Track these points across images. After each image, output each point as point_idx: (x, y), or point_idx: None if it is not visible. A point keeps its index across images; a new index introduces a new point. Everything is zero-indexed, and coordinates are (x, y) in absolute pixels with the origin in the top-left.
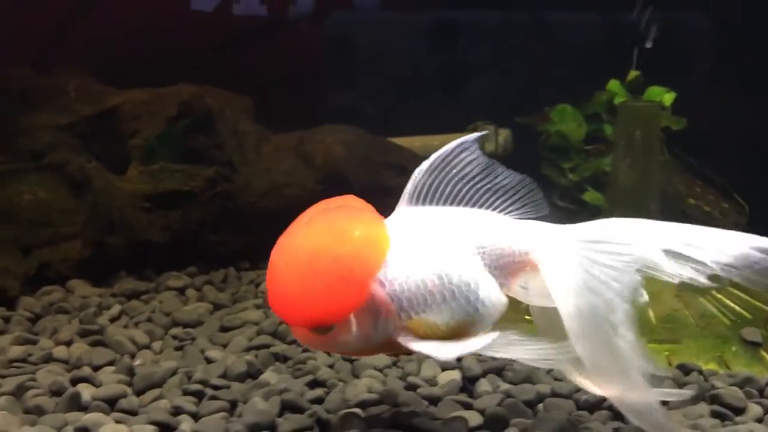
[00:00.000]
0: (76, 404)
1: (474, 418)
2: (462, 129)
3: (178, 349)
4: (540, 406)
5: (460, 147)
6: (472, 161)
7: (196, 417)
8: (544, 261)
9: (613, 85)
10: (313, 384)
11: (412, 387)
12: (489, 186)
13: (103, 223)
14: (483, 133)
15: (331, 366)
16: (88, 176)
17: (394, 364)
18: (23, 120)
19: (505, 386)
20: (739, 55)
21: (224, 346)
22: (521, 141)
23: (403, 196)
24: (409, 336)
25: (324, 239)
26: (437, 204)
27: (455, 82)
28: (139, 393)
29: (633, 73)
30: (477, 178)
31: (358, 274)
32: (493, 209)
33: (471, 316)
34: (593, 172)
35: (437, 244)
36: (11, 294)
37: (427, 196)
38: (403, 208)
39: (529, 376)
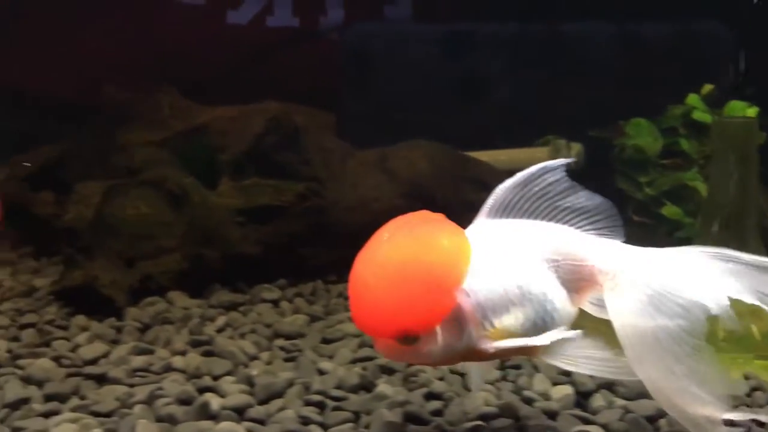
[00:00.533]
0: (206, 413)
1: None
2: (532, 143)
3: (287, 360)
4: (662, 421)
5: (544, 168)
6: (554, 181)
7: (324, 427)
8: (606, 279)
9: (692, 99)
10: (429, 396)
11: (527, 401)
12: (568, 205)
13: (200, 236)
14: (570, 160)
15: (441, 379)
16: (186, 191)
17: (504, 378)
18: (120, 137)
19: (619, 401)
20: None
21: (330, 357)
22: (591, 155)
23: (482, 209)
24: (491, 342)
25: (413, 249)
26: (514, 218)
27: (524, 96)
28: (261, 403)
29: (707, 87)
30: (557, 198)
31: (447, 283)
32: (571, 226)
33: (544, 325)
34: (671, 186)
35: (515, 254)
36: (119, 305)
37: (506, 210)
38: (482, 220)
39: (643, 391)
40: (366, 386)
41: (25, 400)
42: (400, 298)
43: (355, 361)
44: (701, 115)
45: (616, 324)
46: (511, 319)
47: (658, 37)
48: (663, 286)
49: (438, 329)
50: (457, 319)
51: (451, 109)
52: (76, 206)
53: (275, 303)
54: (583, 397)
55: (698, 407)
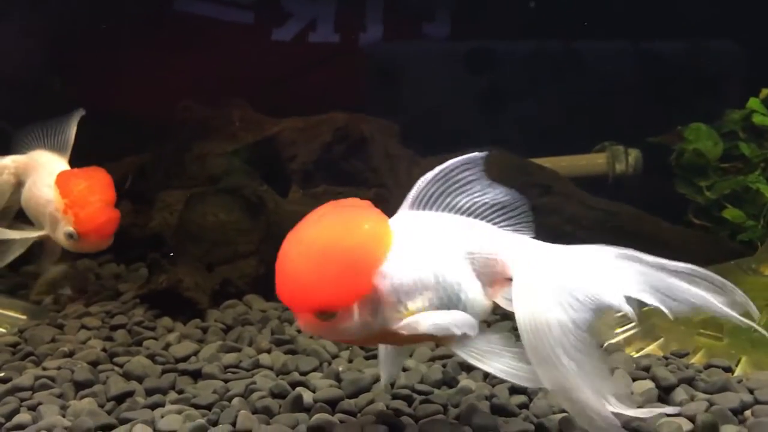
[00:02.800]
0: (300, 406)
1: (685, 425)
2: (589, 149)
3: (368, 358)
4: (747, 413)
5: (464, 162)
6: (473, 179)
7: (415, 418)
8: (515, 272)
9: (754, 102)
10: (513, 391)
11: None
12: (486, 201)
13: (276, 242)
14: (484, 154)
15: None
16: (262, 199)
17: None
18: (198, 147)
19: (701, 395)
20: None
21: (409, 355)
22: (648, 160)
23: (405, 201)
24: (404, 321)
25: (336, 231)
26: (435, 211)
27: (582, 103)
28: (350, 396)
29: (765, 91)
30: (476, 193)
31: (365, 264)
32: (487, 221)
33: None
34: (732, 190)
35: (433, 245)
36: (201, 307)
37: (427, 203)
38: (405, 212)
39: (724, 385)
40: (448, 382)
41: (129, 394)
42: (320, 275)
43: (433, 359)
44: (761, 119)
45: (518, 315)
46: (424, 305)
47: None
48: (567, 281)
49: (355, 307)
50: (373, 300)
51: (504, 118)
52: (161, 213)
53: None
54: (664, 392)
55: (592, 404)
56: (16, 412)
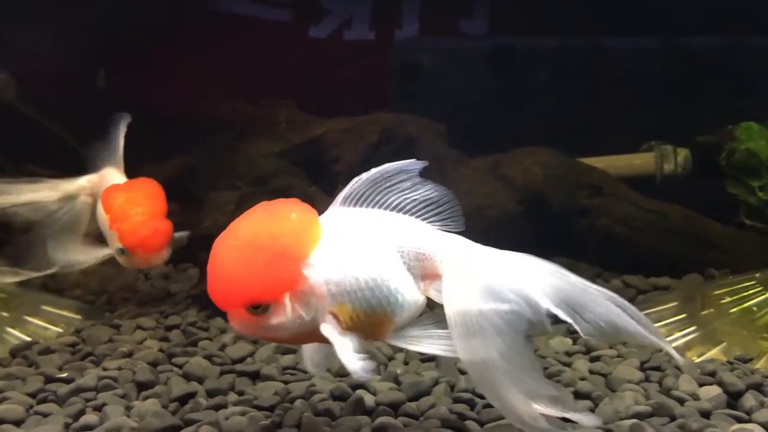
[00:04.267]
0: (361, 408)
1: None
2: (636, 149)
3: (424, 360)
4: None
5: (403, 167)
6: (405, 177)
7: (480, 423)
8: (445, 270)
9: None
10: (577, 396)
11: (679, 401)
12: (416, 197)
13: None
14: (424, 163)
15: (583, 379)
16: (312, 199)
17: (647, 379)
18: (244, 148)
19: None
20: None
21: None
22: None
23: (336, 199)
24: (331, 324)
25: (263, 222)
26: (366, 207)
27: (631, 102)
28: (411, 399)
29: None
30: (406, 190)
31: (293, 253)
32: (418, 218)
33: (390, 307)
34: None
35: (364, 239)
36: None
37: (359, 200)
38: (336, 208)
39: None
40: None
41: (192, 395)
42: (249, 266)
43: None
44: None
45: (447, 310)
46: (356, 299)
47: None
48: (493, 279)
49: (286, 300)
50: (304, 292)
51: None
52: (212, 214)
53: None
54: (732, 398)
55: (520, 404)
56: (82, 412)
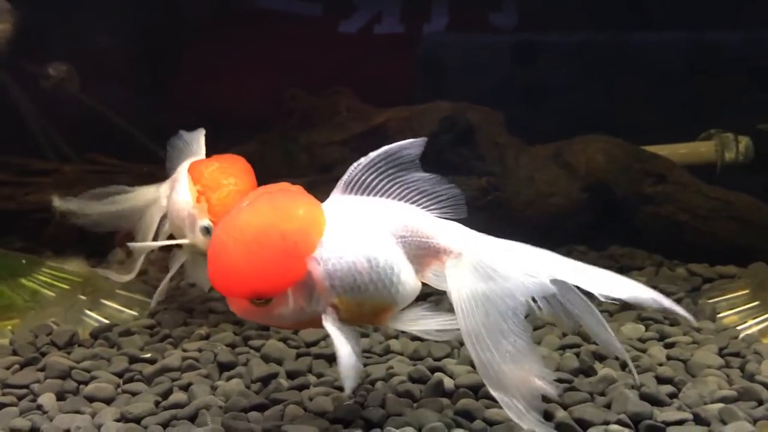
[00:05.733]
0: (441, 391)
1: None
2: (695, 137)
3: None
4: None
5: (400, 148)
6: (406, 166)
7: (564, 406)
8: (449, 256)
9: None
10: (658, 381)
11: (764, 385)
12: (416, 186)
13: None
14: (422, 140)
15: (661, 364)
16: None
17: (728, 365)
18: (305, 137)
19: None
20: None
21: (537, 343)
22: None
23: (338, 185)
24: (332, 315)
25: (269, 216)
26: (368, 195)
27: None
28: None
29: None
30: (408, 179)
31: (300, 250)
32: (418, 206)
33: (391, 297)
34: None
35: (366, 230)
36: None
37: (360, 188)
38: (337, 196)
39: None
40: (585, 371)
41: (273, 375)
42: (254, 261)
43: (563, 348)
44: None
45: (455, 297)
46: (359, 290)
47: None
48: (497, 266)
49: (289, 293)
50: (307, 285)
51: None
52: None
53: None
54: None
55: (517, 388)
56: (170, 391)
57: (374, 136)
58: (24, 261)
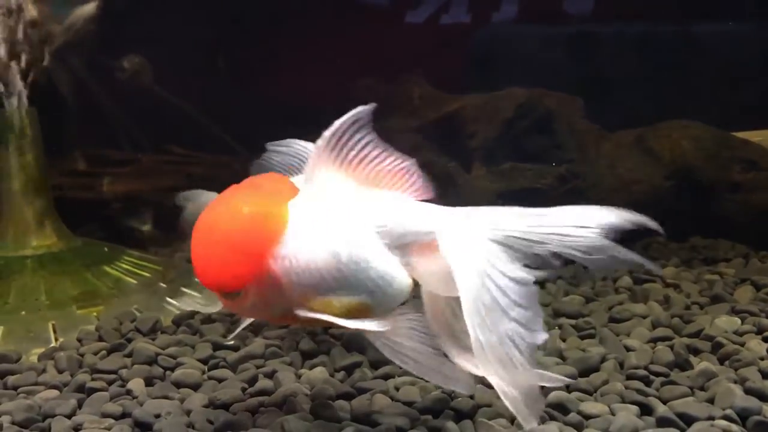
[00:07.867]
0: None
1: None
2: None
3: (583, 337)
4: None
5: (352, 122)
6: (368, 144)
7: (662, 400)
8: (448, 242)
9: None
10: (764, 376)
11: None
12: (385, 166)
13: None
14: (370, 107)
15: (762, 359)
16: (452, 175)
17: None
18: (379, 125)
19: None
20: None
21: (627, 335)
22: None
23: (303, 176)
24: (304, 313)
25: (220, 215)
26: (336, 183)
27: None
28: (581, 375)
29: None
30: (374, 159)
31: (249, 249)
32: (391, 188)
33: (367, 294)
34: None
35: (333, 222)
36: None
37: (326, 176)
38: (305, 189)
39: None
40: (681, 364)
41: (357, 365)
42: (209, 259)
43: (654, 340)
44: None
45: (460, 280)
46: (324, 288)
47: None
48: (493, 232)
49: (252, 289)
50: (267, 283)
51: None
52: None
53: (541, 285)
54: None
55: (519, 377)
56: (255, 378)
57: (449, 123)
58: (106, 249)
